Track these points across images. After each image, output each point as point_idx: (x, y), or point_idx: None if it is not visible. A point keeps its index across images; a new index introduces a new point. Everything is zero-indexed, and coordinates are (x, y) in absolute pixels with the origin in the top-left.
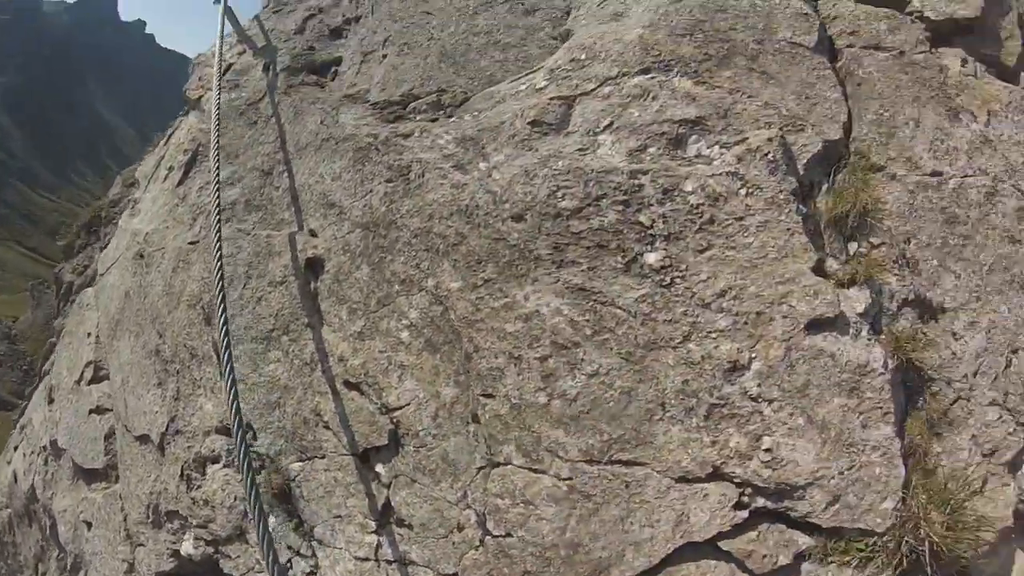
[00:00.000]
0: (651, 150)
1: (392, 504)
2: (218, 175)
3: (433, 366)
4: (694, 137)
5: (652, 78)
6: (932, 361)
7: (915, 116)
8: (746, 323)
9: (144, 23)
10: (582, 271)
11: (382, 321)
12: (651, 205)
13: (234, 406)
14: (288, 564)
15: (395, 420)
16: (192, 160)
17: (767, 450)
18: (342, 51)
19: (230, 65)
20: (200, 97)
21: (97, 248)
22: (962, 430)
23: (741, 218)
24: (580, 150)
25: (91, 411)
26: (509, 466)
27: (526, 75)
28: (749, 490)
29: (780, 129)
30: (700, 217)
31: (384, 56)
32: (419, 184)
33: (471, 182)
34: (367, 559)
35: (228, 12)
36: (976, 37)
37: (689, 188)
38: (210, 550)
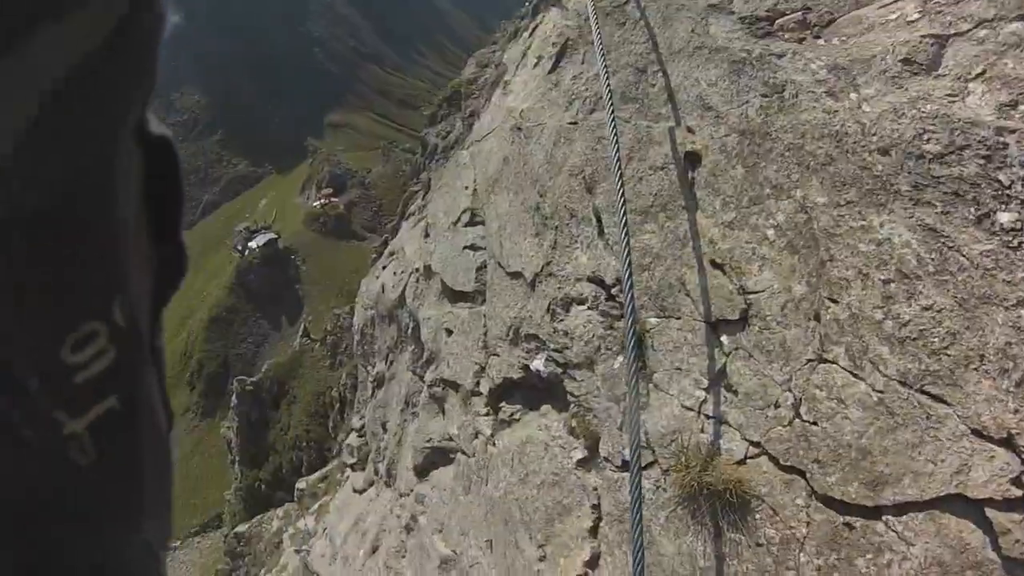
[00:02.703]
0: (1021, 107)
1: (726, 371)
2: (607, 75)
3: (790, 264)
4: None
5: None
6: None
7: None
8: None
9: None
10: (936, 213)
11: (751, 217)
12: (1012, 166)
13: (627, 261)
14: (623, 396)
15: (748, 302)
16: (561, 52)
17: None
18: None
19: None
20: None
21: (458, 117)
22: None
23: None
24: (949, 95)
25: (465, 247)
26: (834, 365)
27: (895, 1)
28: None
29: None
30: None
31: None
32: (793, 103)
33: (842, 110)
34: (690, 409)
35: None
36: None
37: None
38: (559, 370)
